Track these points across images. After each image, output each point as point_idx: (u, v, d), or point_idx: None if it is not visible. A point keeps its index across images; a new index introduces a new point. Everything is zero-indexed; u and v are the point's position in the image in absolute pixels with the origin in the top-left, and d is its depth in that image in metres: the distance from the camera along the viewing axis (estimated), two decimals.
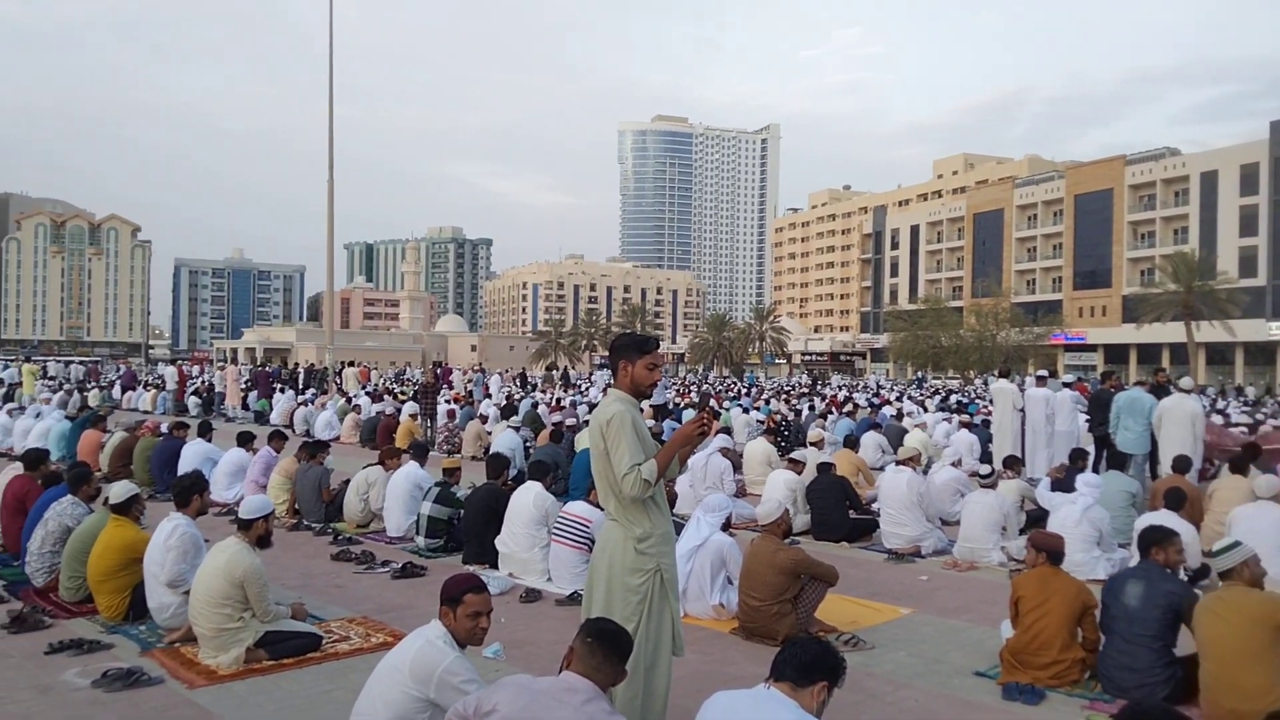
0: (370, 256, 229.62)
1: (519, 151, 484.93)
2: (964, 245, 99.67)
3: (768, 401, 28.98)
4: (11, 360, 51.51)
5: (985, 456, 15.71)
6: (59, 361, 57.24)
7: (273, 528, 6.26)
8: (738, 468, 13.45)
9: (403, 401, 24.60)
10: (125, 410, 29.77)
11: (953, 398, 34.05)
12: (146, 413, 28.70)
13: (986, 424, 18.17)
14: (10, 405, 20.57)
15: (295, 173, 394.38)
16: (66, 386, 33.00)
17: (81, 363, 57.75)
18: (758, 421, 20.69)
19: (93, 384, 36.58)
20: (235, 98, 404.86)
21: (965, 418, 19.88)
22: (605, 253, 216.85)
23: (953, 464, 12.41)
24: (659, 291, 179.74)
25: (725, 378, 72.54)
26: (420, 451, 10.83)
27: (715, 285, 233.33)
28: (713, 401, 29.59)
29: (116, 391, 33.72)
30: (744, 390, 39.62)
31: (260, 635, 5.75)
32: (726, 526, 7.49)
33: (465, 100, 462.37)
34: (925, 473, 11.08)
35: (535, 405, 23.75)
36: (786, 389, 44.24)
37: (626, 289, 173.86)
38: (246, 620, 5.72)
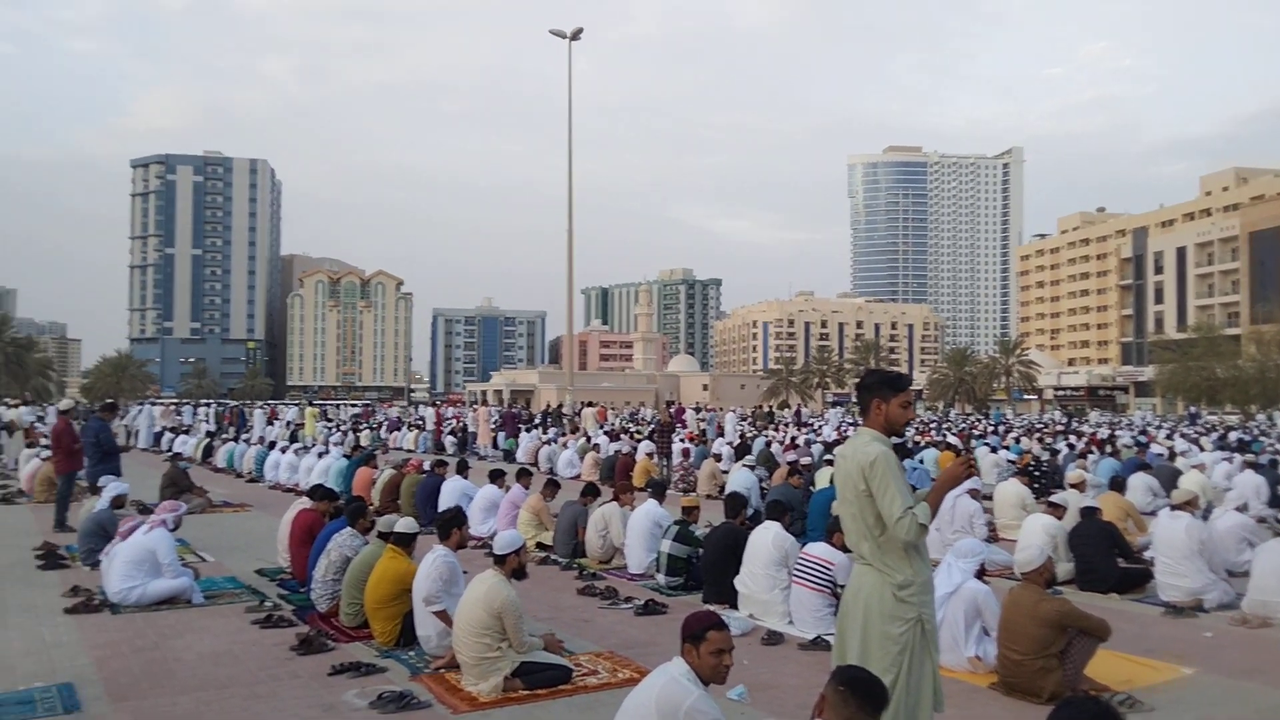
0: (605, 300, 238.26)
1: (746, 191, 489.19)
2: (1239, 267, 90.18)
3: (1018, 440, 27.36)
4: (296, 403, 57.49)
5: (1274, 500, 14.11)
6: (336, 404, 63.18)
7: (526, 561, 6.55)
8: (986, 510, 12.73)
9: (638, 440, 25.20)
10: (392, 449, 32.39)
11: (1232, 435, 30.75)
12: (410, 451, 31.04)
13: (1275, 464, 16.34)
14: (296, 445, 22.85)
15: (538, 224, 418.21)
16: (342, 427, 36.30)
17: (353, 405, 63.48)
18: (1008, 461, 19.54)
19: (364, 425, 40.05)
20: (485, 156, 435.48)
21: (1249, 457, 17.93)
22: (836, 288, 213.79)
23: (1237, 508, 11.15)
24: (894, 326, 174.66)
25: (968, 415, 69.13)
26: (659, 490, 11.02)
27: (954, 318, 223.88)
28: (951, 437, 28.25)
29: (384, 431, 36.75)
30: (991, 428, 37.60)
31: (516, 665, 6.01)
32: (981, 574, 7.08)
33: (693, 143, 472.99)
34: (1205, 518, 10.01)
35: (769, 444, 23.60)
36: (1038, 427, 41.59)
37: (859, 324, 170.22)
38: (504, 650, 6.00)
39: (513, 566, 6.26)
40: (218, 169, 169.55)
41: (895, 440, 4.12)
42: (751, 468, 15.59)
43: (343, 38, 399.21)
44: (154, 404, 47.88)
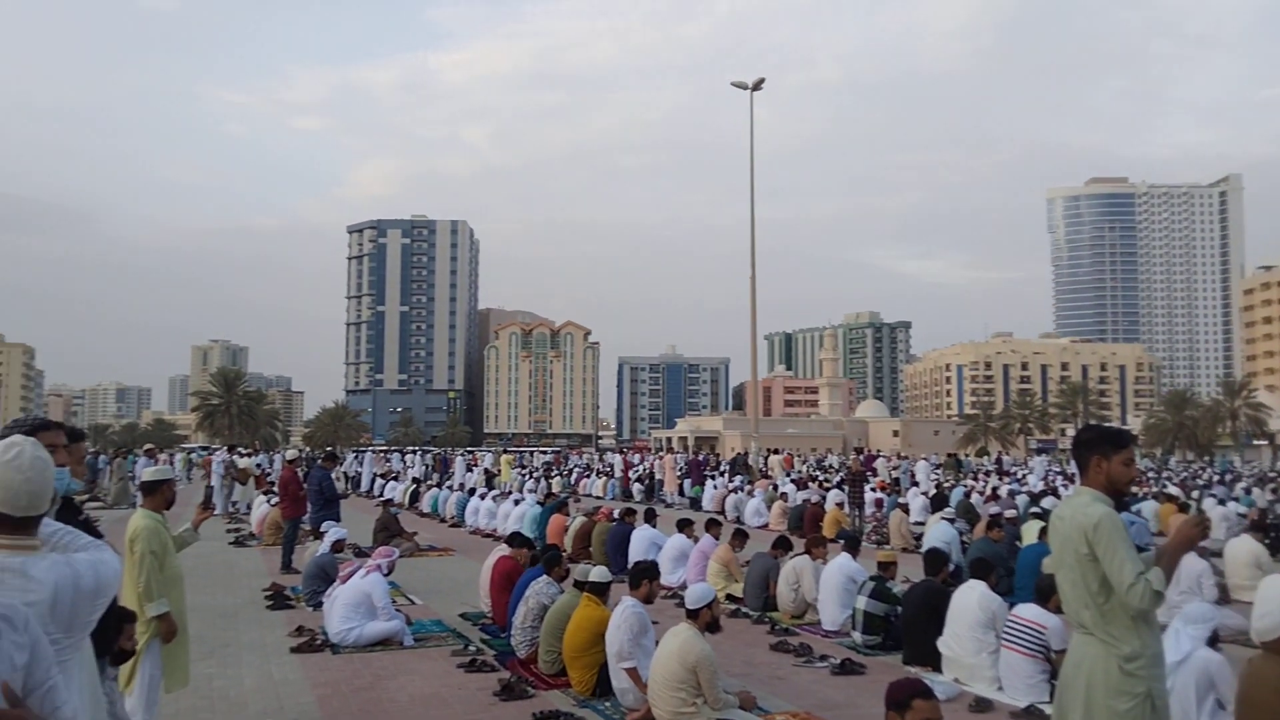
0: (789, 345, 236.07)
1: (934, 230, 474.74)
2: None
3: (1248, 491, 24.94)
4: (493, 451, 59.94)
5: None
6: (528, 451, 65.44)
7: (719, 614, 6.52)
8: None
9: (827, 489, 24.68)
10: (582, 495, 33.14)
11: None
12: (599, 498, 31.65)
13: None
14: (494, 491, 23.80)
15: (720, 271, 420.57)
16: (535, 474, 37.51)
17: (543, 452, 65.52)
18: (1238, 515, 17.82)
19: (556, 472, 41.23)
20: (666, 207, 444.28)
21: None
22: (1036, 329, 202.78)
23: None
24: (1103, 368, 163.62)
25: (1190, 463, 63.65)
26: (852, 543, 10.73)
27: (1171, 358, 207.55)
28: (1172, 488, 26.06)
29: (575, 478, 37.68)
30: (1217, 478, 34.45)
31: None
32: (1213, 641, 6.46)
33: (877, 185, 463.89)
34: None
35: (968, 494, 22.56)
36: (1271, 476, 37.75)
37: (1064, 366, 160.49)
38: (699, 706, 5.97)
39: (706, 620, 6.25)
40: (422, 231, 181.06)
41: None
42: (951, 520, 14.93)
43: (534, 104, 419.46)
44: (369, 452, 51.12)
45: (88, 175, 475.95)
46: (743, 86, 35.10)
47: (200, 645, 8.10)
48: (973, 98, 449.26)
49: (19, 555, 2.27)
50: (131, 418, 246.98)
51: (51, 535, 2.53)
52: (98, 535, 3.80)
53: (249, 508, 22.10)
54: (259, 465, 28.26)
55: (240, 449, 40.01)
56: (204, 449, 47.21)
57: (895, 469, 36.40)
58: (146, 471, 6.10)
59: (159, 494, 5.76)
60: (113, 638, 4.49)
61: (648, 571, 7.17)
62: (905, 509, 19.32)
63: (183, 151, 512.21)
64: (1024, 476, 35.83)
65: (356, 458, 41.88)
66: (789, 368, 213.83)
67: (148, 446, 40.38)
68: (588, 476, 37.90)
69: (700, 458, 42.15)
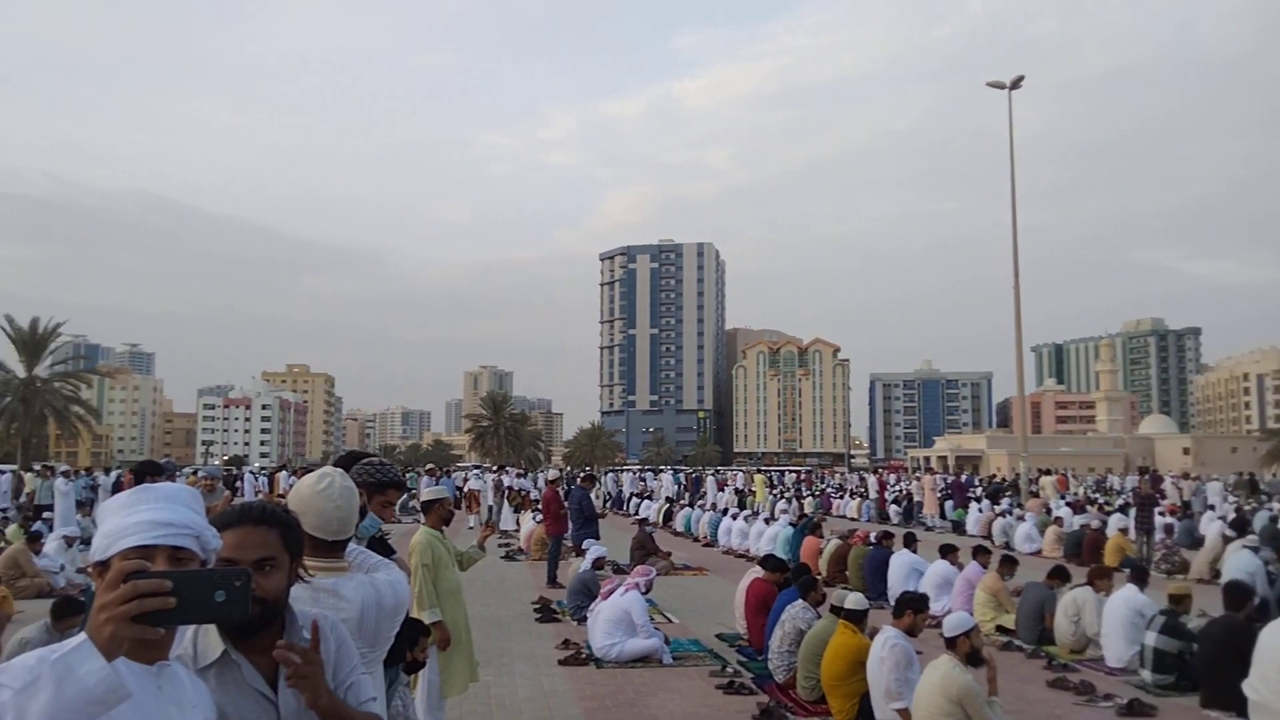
0: (1059, 357, 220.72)
1: (1223, 227, 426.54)
2: None
3: None
4: (744, 471, 60.14)
5: None
6: (779, 470, 65.15)
7: (980, 645, 6.19)
8: None
9: (1108, 513, 22.75)
10: (834, 516, 32.54)
11: None
12: (853, 520, 30.93)
13: None
14: (745, 511, 23.88)
15: (979, 281, 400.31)
16: (787, 494, 37.25)
17: (793, 471, 64.94)
18: None
19: (807, 492, 40.73)
20: (917, 218, 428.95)
21: None
22: None
23: None
24: None
25: None
26: (1139, 573, 9.84)
27: None
28: None
29: (827, 499, 37.06)
30: None
31: None
32: None
33: (1156, 181, 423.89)
34: None
35: (1275, 519, 20.07)
36: None
37: None
38: None
39: (965, 650, 5.96)
40: (670, 254, 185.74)
41: None
42: (1255, 549, 13.34)
43: (776, 122, 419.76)
44: (628, 471, 52.91)
45: (377, 221, 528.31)
46: (999, 86, 33.37)
47: (478, 654, 8.67)
48: (1262, 81, 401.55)
49: (331, 576, 2.55)
50: (415, 439, 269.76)
51: (349, 556, 2.81)
52: (389, 549, 4.19)
53: (518, 524, 23.46)
54: (521, 489, 29.95)
55: (508, 468, 42.61)
56: (476, 468, 50.71)
57: (1188, 490, 33.00)
58: (425, 491, 6.65)
59: (435, 512, 6.26)
60: (406, 649, 4.91)
61: (914, 602, 6.91)
62: (1198, 538, 17.45)
63: (454, 193, 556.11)
64: None
65: (614, 477, 43.42)
66: (1060, 381, 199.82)
67: (429, 466, 43.82)
68: (841, 497, 37.17)
69: (963, 478, 40.19)
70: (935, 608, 11.91)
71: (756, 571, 10.26)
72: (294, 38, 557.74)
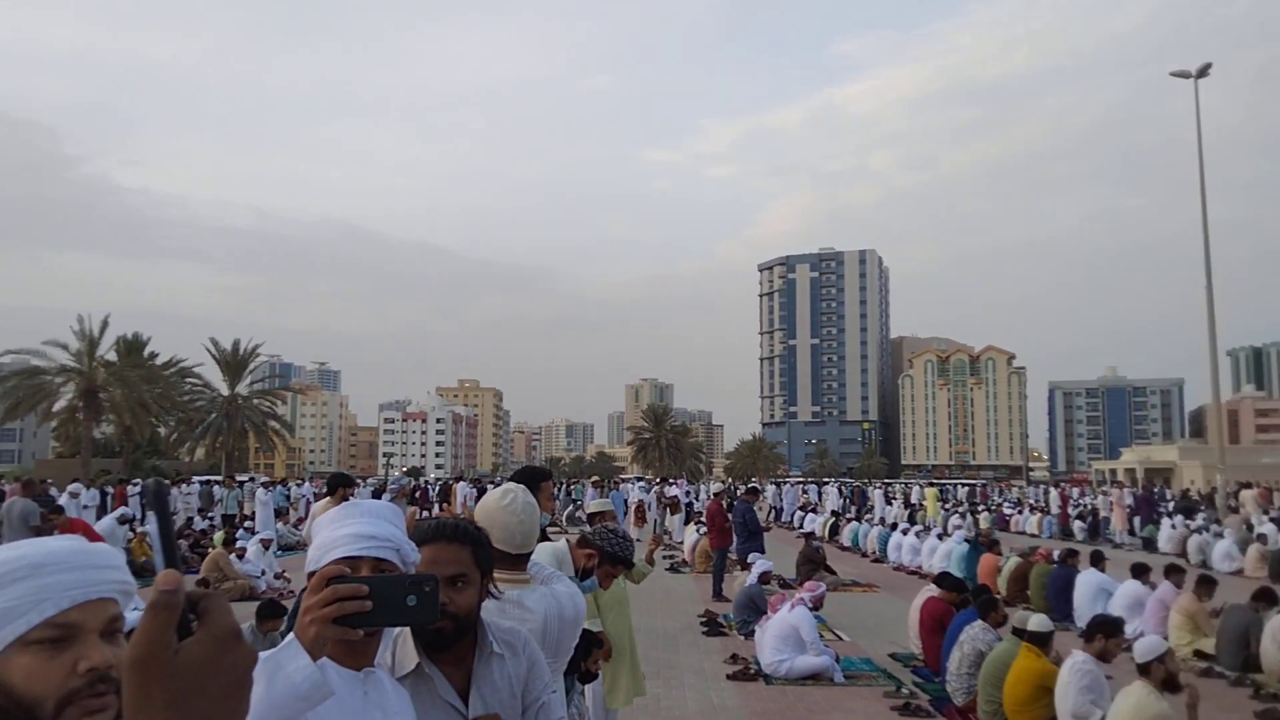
0: (1258, 361, 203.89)
1: None
2: None
3: None
4: (914, 483, 58.35)
5: None
6: (950, 484, 62.77)
7: (1177, 670, 5.79)
8: None
9: None
10: (1012, 533, 31.08)
11: None
12: (1034, 536, 29.44)
13: None
14: (916, 527, 23.10)
15: (1167, 281, 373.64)
16: (961, 509, 35.86)
17: (965, 484, 62.42)
18: None
19: (982, 506, 39.08)
20: (1099, 217, 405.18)
21: None
22: None
23: None
24: None
25: None
26: None
27: None
28: None
29: (1003, 513, 35.43)
30: None
31: None
32: None
33: None
34: None
35: None
36: None
37: None
38: None
39: (1159, 676, 5.59)
40: (830, 263, 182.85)
41: None
42: None
43: (944, 123, 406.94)
44: (789, 484, 52.29)
45: (543, 239, 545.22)
46: (1184, 75, 31.26)
47: (646, 666, 8.76)
48: None
49: (516, 588, 2.65)
50: (579, 451, 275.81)
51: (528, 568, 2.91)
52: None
53: (683, 536, 23.57)
54: (686, 496, 30.10)
55: (669, 479, 42.92)
56: (638, 479, 51.28)
57: None
58: (591, 504, 6.79)
59: (599, 523, 6.37)
60: (581, 659, 5.03)
61: (1106, 625, 6.52)
62: None
63: (619, 210, 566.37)
64: None
65: (777, 490, 42.98)
66: (1259, 387, 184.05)
67: (594, 478, 44.65)
68: (1019, 512, 35.46)
69: (1154, 492, 37.61)
70: (1126, 630, 11.20)
71: (931, 590, 9.93)
72: (468, 70, 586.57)
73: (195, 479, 32.53)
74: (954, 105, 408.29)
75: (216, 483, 29.27)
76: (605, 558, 3.46)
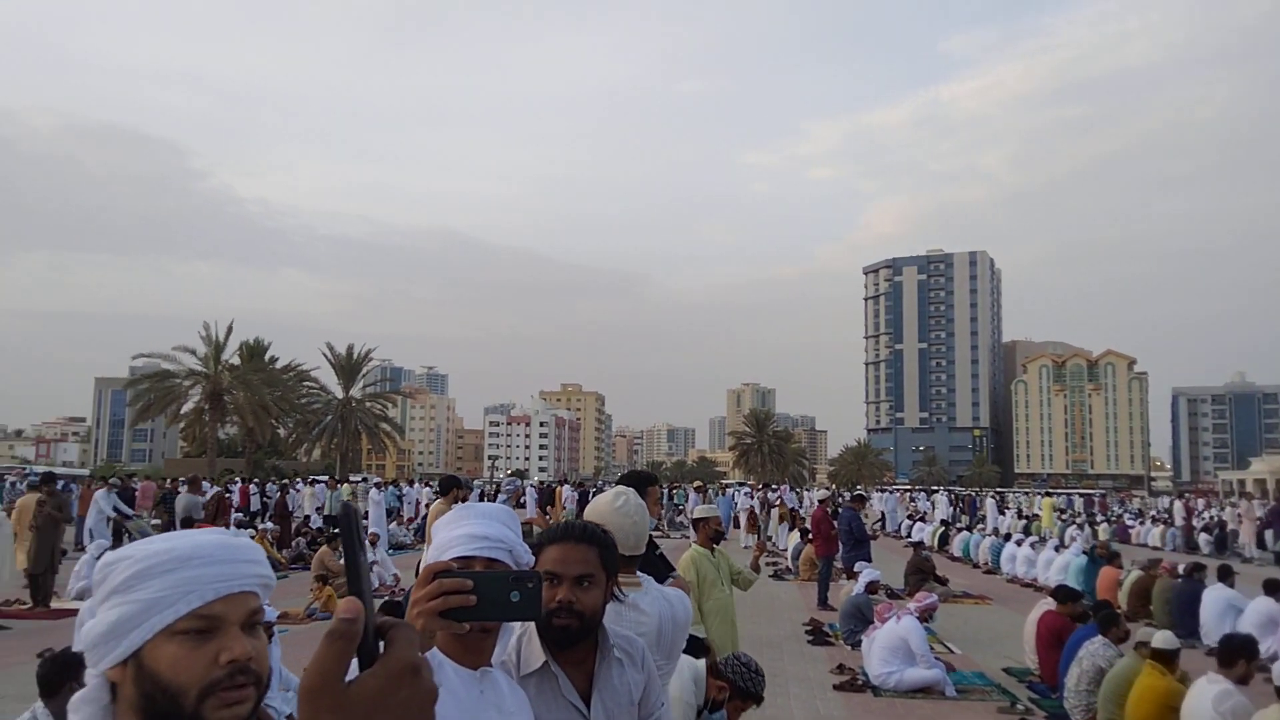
0: None
1: None
2: None
3: None
4: (1025, 492, 56.35)
5: None
6: (1067, 494, 60.46)
7: None
8: None
9: None
10: (1133, 545, 29.76)
11: None
12: (1156, 549, 28.15)
13: None
14: (1032, 538, 22.32)
15: None
16: (1078, 520, 34.51)
17: (1082, 494, 60.00)
18: None
19: (1101, 517, 37.52)
20: (1224, 214, 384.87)
21: None
22: None
23: None
24: None
25: None
26: None
27: None
28: None
29: (1124, 525, 33.95)
30: None
31: None
32: None
33: None
34: None
35: None
36: None
37: None
38: None
39: None
40: (938, 265, 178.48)
41: None
42: None
43: (1057, 120, 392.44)
44: (895, 491, 51.23)
45: (644, 244, 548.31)
46: None
47: None
48: None
49: (631, 591, 2.67)
50: (680, 455, 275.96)
51: None
52: (669, 566, 4.33)
53: (785, 542, 23.34)
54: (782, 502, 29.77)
55: (772, 485, 42.54)
56: (742, 485, 51.01)
57: None
58: (696, 509, 6.78)
59: (704, 530, 6.36)
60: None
61: (1246, 648, 6.16)
62: None
63: (718, 213, 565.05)
64: None
65: (882, 497, 42.17)
66: None
67: (696, 483, 44.60)
68: (1141, 524, 33.92)
69: None
70: (1260, 651, 10.59)
71: (1048, 603, 9.59)
72: (566, 76, 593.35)
73: (314, 479, 33.77)
74: (1067, 101, 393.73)
75: (321, 483, 30.31)
76: (736, 692, 3.49)
